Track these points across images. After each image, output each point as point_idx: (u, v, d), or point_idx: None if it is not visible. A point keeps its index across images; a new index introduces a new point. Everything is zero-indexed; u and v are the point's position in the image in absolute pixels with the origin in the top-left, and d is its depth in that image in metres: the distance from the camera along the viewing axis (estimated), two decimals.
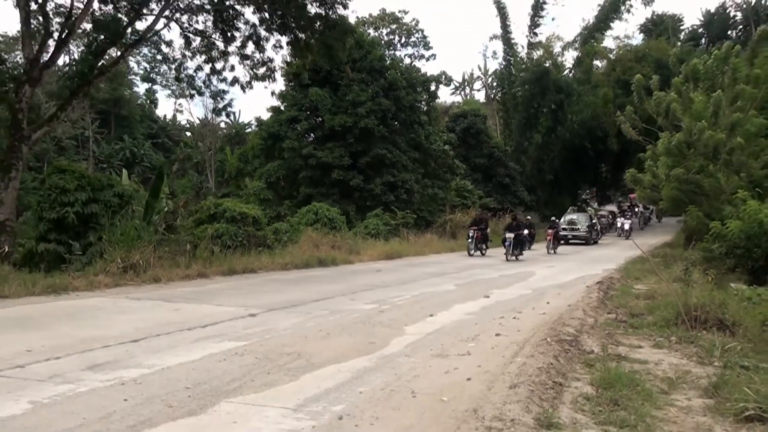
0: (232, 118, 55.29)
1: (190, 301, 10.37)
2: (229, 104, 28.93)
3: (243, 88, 20.82)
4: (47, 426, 4.26)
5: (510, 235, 22.90)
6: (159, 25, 18.44)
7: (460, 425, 4.49)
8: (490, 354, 6.89)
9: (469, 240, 24.73)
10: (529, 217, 32.46)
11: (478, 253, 24.51)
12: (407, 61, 39.22)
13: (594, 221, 36.31)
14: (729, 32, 60.32)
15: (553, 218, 33.36)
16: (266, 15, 18.84)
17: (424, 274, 16.71)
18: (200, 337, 7.45)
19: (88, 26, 17.68)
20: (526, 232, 25.23)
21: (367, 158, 30.68)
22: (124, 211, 14.84)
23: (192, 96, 26.74)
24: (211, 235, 16.15)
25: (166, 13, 18.24)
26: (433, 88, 35.94)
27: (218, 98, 22.18)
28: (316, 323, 8.62)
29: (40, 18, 16.43)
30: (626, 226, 38.22)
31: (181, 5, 18.77)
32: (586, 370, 6.21)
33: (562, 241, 31.98)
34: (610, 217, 44.03)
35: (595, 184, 60.03)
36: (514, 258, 22.91)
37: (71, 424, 4.29)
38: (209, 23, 19.49)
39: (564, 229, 33.59)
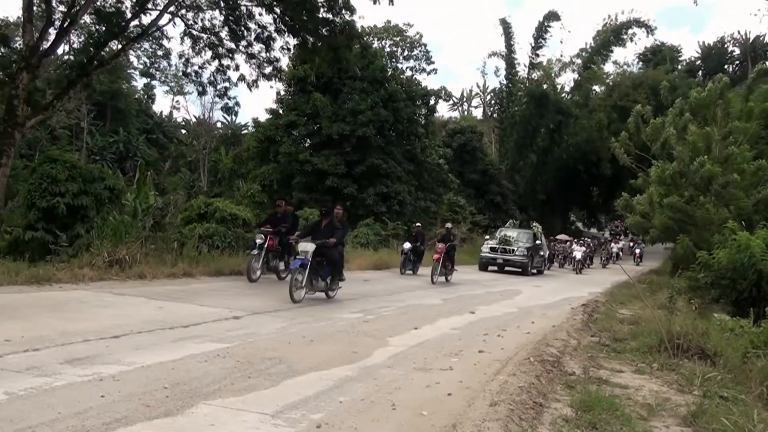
0: (230, 118, 55.29)
1: (174, 300, 10.28)
2: (237, 103, 28.74)
3: (249, 87, 20.51)
4: (21, 419, 4.19)
5: (305, 250, 11.31)
6: (163, 21, 18.42)
7: None
8: (473, 370, 6.87)
9: (252, 254, 13.77)
10: (419, 224, 23.13)
11: (274, 276, 14.47)
12: (408, 73, 39.38)
13: (539, 243, 27.36)
14: (726, 66, 61.18)
15: (448, 225, 22.44)
16: (276, 17, 18.82)
17: (410, 286, 16.69)
18: (182, 336, 7.39)
19: (90, 17, 17.66)
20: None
21: (362, 167, 30.76)
22: (113, 205, 14.75)
23: (200, 94, 26.63)
24: (199, 235, 16.05)
25: (171, 9, 18.21)
26: (432, 102, 36.15)
27: (224, 97, 22.15)
28: (300, 329, 8.58)
29: (43, 5, 16.38)
30: (578, 256, 30.50)
31: (187, 1, 18.72)
32: (566, 392, 6.20)
33: (491, 267, 25.51)
34: (569, 244, 34.56)
35: (587, 208, 60.43)
36: (314, 293, 11.71)
37: (46, 418, 4.23)
38: (216, 21, 19.45)
39: (493, 249, 25.57)
